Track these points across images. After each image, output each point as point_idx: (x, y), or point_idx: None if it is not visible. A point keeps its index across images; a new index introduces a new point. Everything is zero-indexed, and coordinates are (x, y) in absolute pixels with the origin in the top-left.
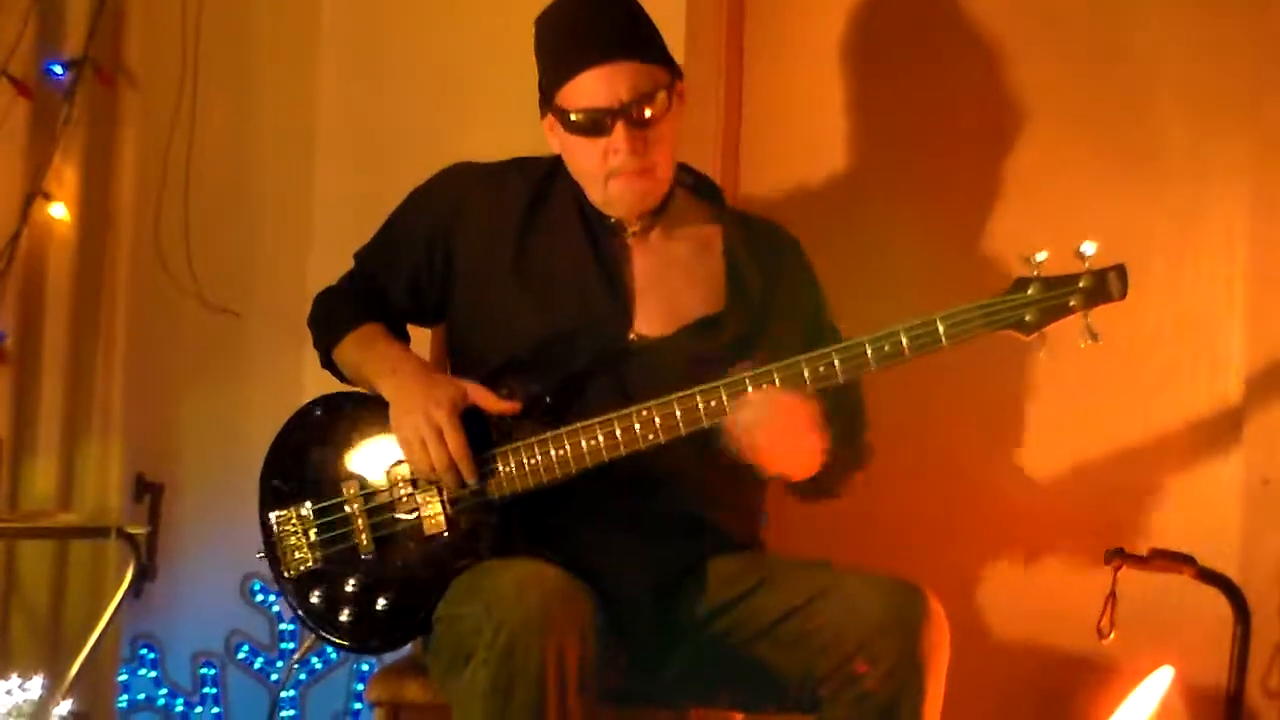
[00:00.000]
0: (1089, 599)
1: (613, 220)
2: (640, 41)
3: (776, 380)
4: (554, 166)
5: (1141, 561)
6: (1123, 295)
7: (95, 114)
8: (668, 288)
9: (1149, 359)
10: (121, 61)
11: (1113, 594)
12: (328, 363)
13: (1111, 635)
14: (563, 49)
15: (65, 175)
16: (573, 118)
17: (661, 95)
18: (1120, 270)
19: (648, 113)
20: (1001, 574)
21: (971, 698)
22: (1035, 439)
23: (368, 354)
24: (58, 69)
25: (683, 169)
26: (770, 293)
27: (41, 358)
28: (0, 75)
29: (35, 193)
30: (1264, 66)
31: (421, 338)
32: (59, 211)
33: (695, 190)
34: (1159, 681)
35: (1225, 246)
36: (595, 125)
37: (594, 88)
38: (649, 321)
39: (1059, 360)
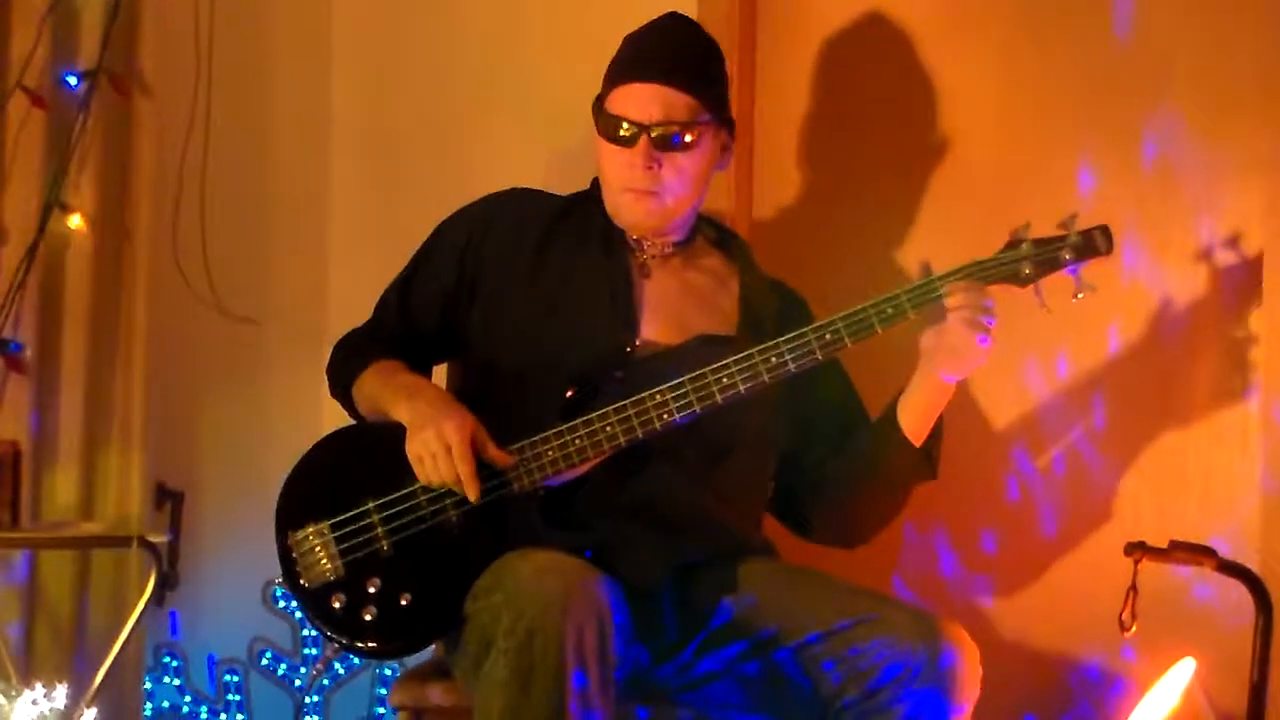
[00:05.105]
0: (1110, 592)
1: (633, 241)
2: (694, 76)
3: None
4: (587, 191)
5: (1162, 554)
6: (1109, 250)
7: (110, 124)
8: (679, 307)
9: (1166, 350)
10: (136, 71)
11: (1134, 586)
12: (346, 401)
13: (1133, 628)
14: (626, 60)
15: (82, 186)
16: (606, 123)
17: (695, 130)
18: (1105, 229)
19: (673, 138)
20: (1021, 567)
21: (994, 693)
22: (1051, 433)
23: (386, 384)
24: (72, 80)
25: (708, 223)
26: (781, 333)
27: (61, 368)
28: (15, 87)
29: (52, 203)
30: (1276, 62)
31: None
32: (76, 222)
33: (718, 243)
34: (1181, 673)
35: (1241, 239)
36: (622, 135)
37: (633, 101)
38: (656, 332)
39: (1074, 352)
